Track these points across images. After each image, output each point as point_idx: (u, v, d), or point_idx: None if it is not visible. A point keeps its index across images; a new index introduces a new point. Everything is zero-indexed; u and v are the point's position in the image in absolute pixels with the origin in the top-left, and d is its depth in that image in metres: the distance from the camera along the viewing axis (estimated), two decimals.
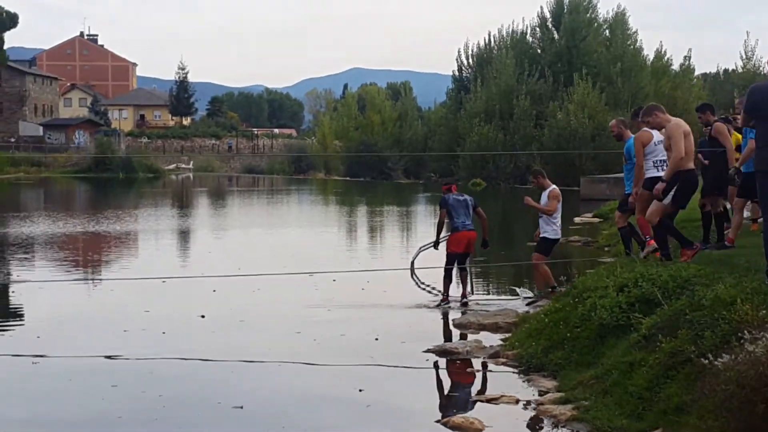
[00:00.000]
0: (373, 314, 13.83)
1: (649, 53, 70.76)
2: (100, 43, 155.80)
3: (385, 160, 75.62)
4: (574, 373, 9.22)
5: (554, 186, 14.31)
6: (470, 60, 74.89)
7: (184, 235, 28.56)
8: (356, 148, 79.42)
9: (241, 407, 8.93)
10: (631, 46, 69.15)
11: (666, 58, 70.01)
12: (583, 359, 9.46)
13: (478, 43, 75.04)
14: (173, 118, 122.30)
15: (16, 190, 58.00)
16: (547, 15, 71.09)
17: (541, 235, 14.21)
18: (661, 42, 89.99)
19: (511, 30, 72.43)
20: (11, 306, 15.61)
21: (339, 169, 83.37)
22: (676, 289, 9.37)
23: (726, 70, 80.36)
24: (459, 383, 10.26)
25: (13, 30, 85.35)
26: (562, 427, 8.08)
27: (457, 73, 76.49)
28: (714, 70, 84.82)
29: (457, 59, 75.98)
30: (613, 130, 13.84)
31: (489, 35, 74.32)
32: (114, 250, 24.05)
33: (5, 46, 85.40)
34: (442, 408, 8.99)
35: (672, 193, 11.09)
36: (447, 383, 10.39)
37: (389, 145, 79.90)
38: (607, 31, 69.91)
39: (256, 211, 42.21)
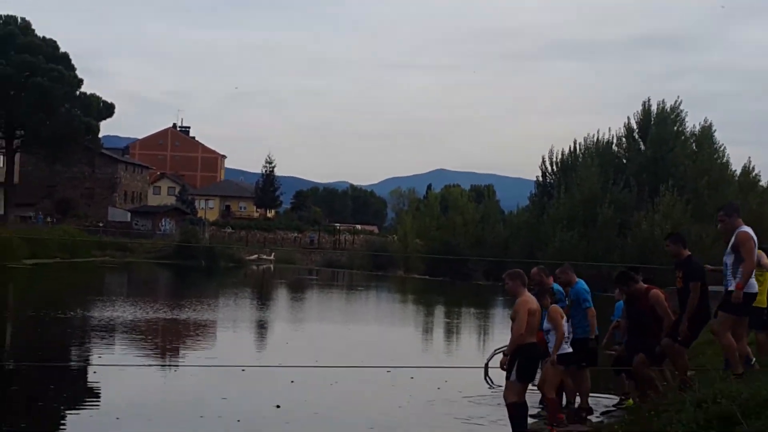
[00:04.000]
0: (446, 413, 13.77)
1: (736, 168, 70.14)
2: (191, 134, 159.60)
3: (465, 261, 75.57)
4: None
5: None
6: (554, 166, 74.90)
7: (262, 326, 28.83)
8: (437, 247, 79.54)
9: None
10: (718, 160, 68.62)
11: (754, 174, 69.25)
12: None
13: (563, 150, 75.08)
14: (258, 209, 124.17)
15: (101, 273, 59.21)
16: (634, 126, 71.03)
17: None
18: (749, 158, 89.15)
19: (596, 139, 72.46)
20: (93, 387, 15.92)
21: (418, 267, 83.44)
22: (756, 408, 9.16)
23: None
24: None
25: (108, 119, 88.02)
26: None
27: (540, 179, 76.52)
28: None
29: (541, 165, 76.09)
30: (533, 278, 13.14)
31: (575, 143, 74.16)
32: (193, 338, 24.38)
33: (101, 134, 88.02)
34: None
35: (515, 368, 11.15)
36: None
37: (470, 246, 79.84)
38: (693, 144, 69.57)
39: (335, 305, 42.46)
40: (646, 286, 12.59)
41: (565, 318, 12.19)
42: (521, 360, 11.07)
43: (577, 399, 13.23)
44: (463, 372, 17.53)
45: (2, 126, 78.79)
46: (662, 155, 67.35)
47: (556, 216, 66.52)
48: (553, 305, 12.20)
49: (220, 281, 57.28)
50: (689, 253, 12.25)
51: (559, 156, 74.75)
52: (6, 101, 75.14)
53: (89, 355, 19.58)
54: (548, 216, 68.05)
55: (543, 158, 76.52)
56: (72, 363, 18.74)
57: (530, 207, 77.70)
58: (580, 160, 71.43)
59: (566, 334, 12.22)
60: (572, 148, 73.97)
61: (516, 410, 11.15)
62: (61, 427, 12.44)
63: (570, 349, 12.21)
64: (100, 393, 15.21)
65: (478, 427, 12.86)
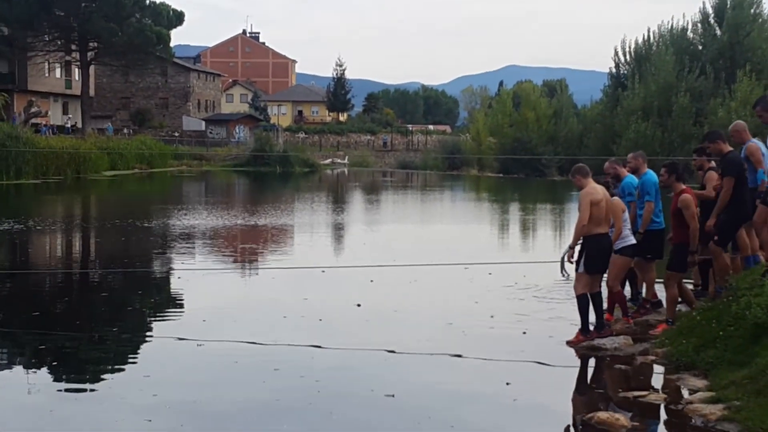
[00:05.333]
0: (524, 308, 13.93)
1: None
2: (261, 40, 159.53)
3: (538, 158, 75.16)
4: (726, 372, 9.09)
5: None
6: (628, 57, 73.67)
7: (339, 228, 29.16)
8: (510, 144, 79.16)
9: (393, 396, 9.22)
10: None
11: None
12: (735, 359, 9.28)
13: (637, 40, 73.82)
14: (330, 113, 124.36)
15: (178, 182, 60.14)
16: (710, 11, 69.47)
17: None
18: None
19: (671, 26, 71.12)
20: (177, 291, 16.37)
21: (492, 166, 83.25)
22: None
23: None
24: (606, 380, 10.30)
25: (179, 28, 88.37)
26: (711, 426, 8.05)
27: (614, 70, 75.33)
28: None
29: (614, 57, 74.93)
30: (608, 172, 13.17)
31: (648, 31, 72.88)
32: (272, 241, 24.79)
33: (172, 44, 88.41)
34: (588, 404, 9.06)
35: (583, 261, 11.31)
36: (594, 379, 10.42)
37: (543, 142, 79.26)
38: None
39: (410, 205, 42.67)
40: (683, 187, 12.20)
41: (626, 211, 12.09)
42: (588, 251, 11.15)
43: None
44: (540, 266, 17.65)
45: (76, 38, 79.60)
46: (739, 40, 65.83)
47: (631, 107, 65.65)
48: (614, 198, 12.11)
49: (296, 186, 57.78)
50: (730, 148, 12.05)
51: (633, 46, 73.51)
52: (78, 12, 75.81)
53: (172, 262, 20.09)
54: (622, 108, 67.16)
55: (616, 49, 75.43)
56: (156, 269, 19.26)
57: (603, 99, 76.69)
58: (654, 48, 70.13)
59: (629, 227, 12.11)
60: (646, 37, 72.65)
61: (584, 302, 11.27)
62: (150, 330, 12.88)
63: (634, 241, 12.12)
64: (184, 297, 15.64)
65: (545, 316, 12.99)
